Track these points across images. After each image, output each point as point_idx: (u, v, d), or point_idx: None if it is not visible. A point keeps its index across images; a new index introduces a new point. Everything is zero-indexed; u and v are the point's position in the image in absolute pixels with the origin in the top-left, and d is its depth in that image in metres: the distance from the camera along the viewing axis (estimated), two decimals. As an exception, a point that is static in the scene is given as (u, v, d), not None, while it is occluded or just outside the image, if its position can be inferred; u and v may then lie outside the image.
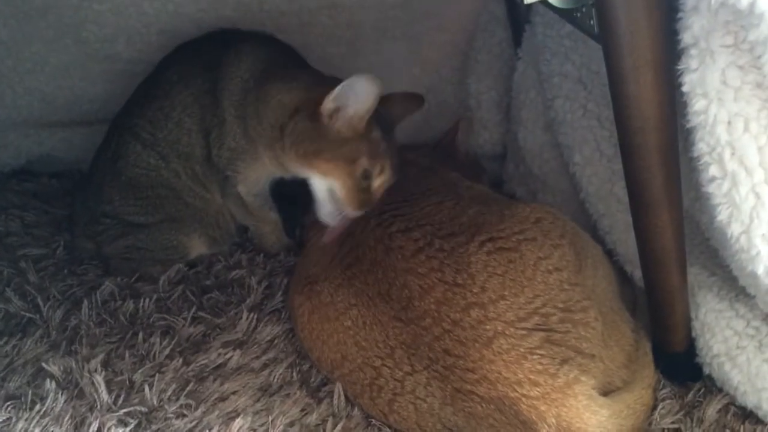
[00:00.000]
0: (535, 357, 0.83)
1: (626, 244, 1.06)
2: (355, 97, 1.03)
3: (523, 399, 0.82)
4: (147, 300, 1.20)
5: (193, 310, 1.17)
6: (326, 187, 1.10)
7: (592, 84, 1.15)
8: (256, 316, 1.15)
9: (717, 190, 0.78)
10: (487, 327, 0.85)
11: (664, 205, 0.85)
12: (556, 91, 1.19)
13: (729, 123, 0.75)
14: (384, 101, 1.12)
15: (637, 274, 1.04)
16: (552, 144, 1.25)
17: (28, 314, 1.19)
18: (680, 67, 0.76)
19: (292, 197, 1.33)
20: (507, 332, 0.84)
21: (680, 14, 0.75)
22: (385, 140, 1.11)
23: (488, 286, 0.87)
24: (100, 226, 1.28)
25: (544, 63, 1.22)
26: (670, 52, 0.77)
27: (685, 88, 0.77)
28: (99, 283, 1.26)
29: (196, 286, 1.25)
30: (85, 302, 1.20)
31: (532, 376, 0.82)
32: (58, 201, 1.53)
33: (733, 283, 0.93)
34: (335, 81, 1.05)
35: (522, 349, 0.84)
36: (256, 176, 1.22)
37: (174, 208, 1.27)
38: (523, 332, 0.85)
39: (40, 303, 1.21)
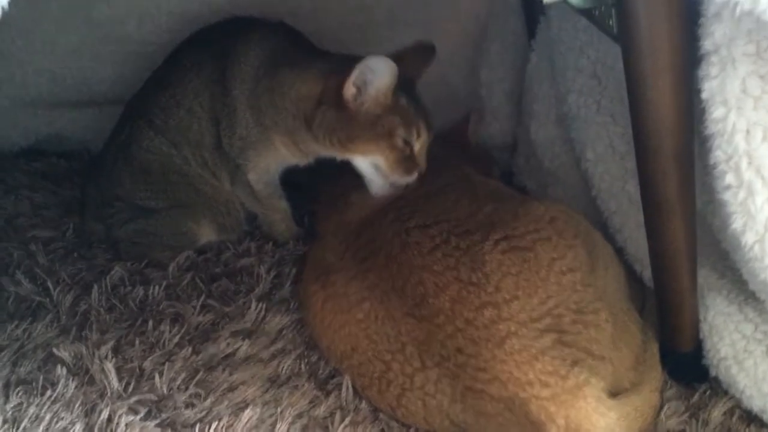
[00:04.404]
0: (546, 358, 0.84)
1: (637, 243, 1.06)
2: (374, 76, 1.03)
3: (533, 399, 0.82)
4: (157, 287, 1.20)
5: (203, 298, 1.18)
6: (370, 165, 1.11)
7: (607, 79, 1.14)
8: (264, 306, 1.15)
9: (732, 199, 0.78)
10: (500, 327, 0.85)
11: (678, 208, 0.85)
12: (569, 86, 1.18)
13: (747, 132, 0.75)
14: (400, 58, 1.11)
15: (647, 273, 1.05)
16: (564, 138, 1.25)
17: (38, 298, 1.19)
18: (700, 73, 0.76)
19: (300, 185, 1.33)
20: (519, 333, 0.85)
21: (702, 20, 0.75)
22: (413, 103, 1.10)
23: (502, 285, 0.87)
24: (111, 209, 1.29)
25: (558, 56, 1.21)
26: (690, 58, 0.77)
27: (704, 95, 0.76)
28: (108, 267, 1.27)
29: (205, 273, 1.25)
30: (95, 287, 1.20)
31: (542, 377, 0.83)
32: (66, 182, 1.53)
33: (742, 286, 0.93)
34: (348, 62, 1.05)
35: (534, 350, 0.84)
36: (266, 164, 1.22)
37: (185, 195, 1.27)
38: (536, 333, 0.85)
39: (50, 287, 1.21)
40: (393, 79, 1.04)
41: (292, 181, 1.30)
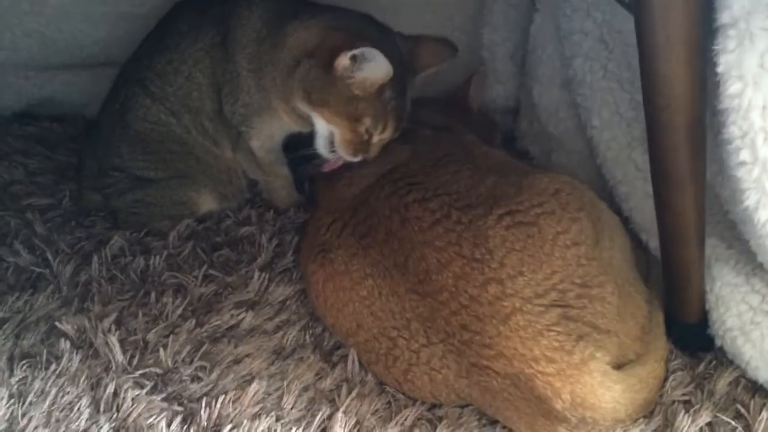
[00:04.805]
0: (551, 334, 0.84)
1: (643, 213, 1.05)
2: (370, 65, 1.01)
3: (539, 375, 0.83)
4: (157, 257, 1.19)
5: (204, 268, 1.17)
6: (327, 131, 1.10)
7: (614, 43, 1.11)
8: (267, 276, 1.15)
9: (747, 175, 0.76)
10: (505, 303, 0.85)
11: (688, 182, 0.84)
12: (575, 50, 1.15)
13: (764, 108, 0.73)
14: (414, 44, 1.10)
15: (653, 243, 1.04)
16: (569, 103, 1.22)
17: (38, 269, 1.18)
18: (716, 47, 0.74)
19: (302, 151, 1.30)
20: (524, 309, 0.84)
21: (720, -8, 0.72)
22: (395, 99, 1.07)
23: (507, 261, 0.86)
24: (108, 179, 1.26)
25: (564, 18, 1.18)
26: (705, 30, 0.74)
27: (719, 69, 0.74)
28: (107, 236, 1.25)
29: (206, 242, 1.24)
30: (95, 257, 1.19)
31: (548, 353, 0.83)
32: (61, 147, 1.50)
33: (749, 257, 0.92)
34: (355, 23, 1.04)
35: (539, 326, 0.84)
36: (270, 131, 1.20)
37: (184, 164, 1.24)
38: (541, 309, 0.85)
39: (50, 257, 1.20)
40: (384, 80, 1.02)
41: (294, 146, 1.28)
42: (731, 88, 0.74)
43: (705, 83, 0.77)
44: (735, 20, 0.71)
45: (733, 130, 0.75)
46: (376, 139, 1.09)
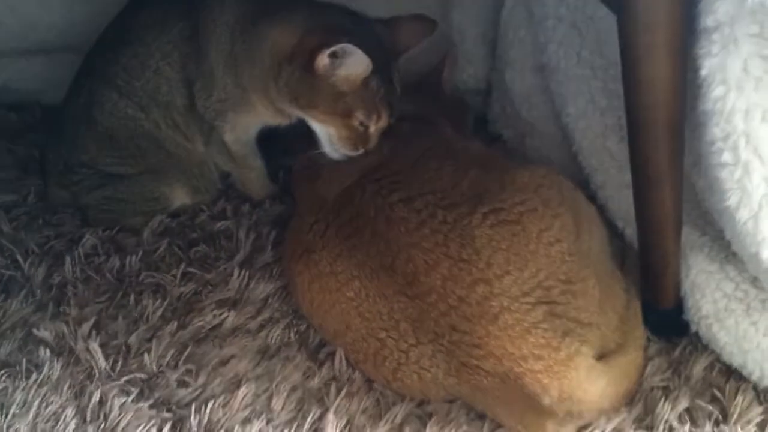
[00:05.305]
0: (538, 331, 0.85)
1: (619, 201, 1.07)
2: (349, 60, 0.99)
3: (528, 373, 0.84)
4: (133, 256, 1.17)
5: (182, 266, 1.15)
6: (324, 131, 1.08)
7: (587, 29, 1.11)
8: (247, 273, 1.13)
9: (729, 176, 0.78)
10: (493, 303, 0.86)
11: (667, 178, 0.85)
12: (549, 36, 1.15)
13: (746, 112, 0.74)
14: (392, 26, 1.09)
15: (629, 231, 1.06)
16: (542, 87, 1.22)
17: (8, 272, 1.16)
18: (700, 50, 0.74)
19: (276, 140, 1.29)
20: (512, 307, 0.85)
21: (705, -4, 0.73)
22: (383, 86, 1.06)
23: (493, 261, 0.87)
24: (75, 176, 1.23)
25: (537, 4, 1.18)
26: (689, 33, 0.75)
27: (703, 73, 0.75)
28: (78, 235, 1.23)
29: (181, 239, 1.22)
30: (68, 258, 1.17)
31: (536, 351, 0.84)
32: (20, 138, 1.46)
33: (723, 244, 0.94)
34: (328, 18, 1.02)
35: (526, 324, 0.85)
36: (245, 125, 1.18)
37: (155, 159, 1.22)
38: (528, 307, 0.86)
39: (20, 258, 1.17)
40: (365, 72, 1.00)
41: (267, 135, 1.25)
42: (715, 91, 0.75)
43: (686, 83, 0.78)
44: (719, 24, 0.72)
45: (716, 131, 0.77)
46: (372, 129, 1.08)
